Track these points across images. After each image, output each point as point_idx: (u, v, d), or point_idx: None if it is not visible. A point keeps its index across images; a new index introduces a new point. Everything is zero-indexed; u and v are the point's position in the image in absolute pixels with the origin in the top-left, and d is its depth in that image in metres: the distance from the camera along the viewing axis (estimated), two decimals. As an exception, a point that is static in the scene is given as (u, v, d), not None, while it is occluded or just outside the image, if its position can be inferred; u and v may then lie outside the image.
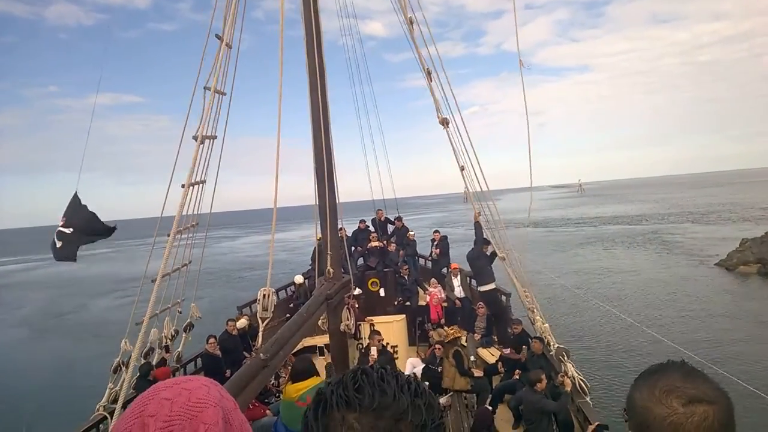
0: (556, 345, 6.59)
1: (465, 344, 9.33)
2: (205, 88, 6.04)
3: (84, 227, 6.09)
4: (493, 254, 8.84)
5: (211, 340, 8.47)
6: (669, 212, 60.12)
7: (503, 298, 9.54)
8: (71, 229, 6.23)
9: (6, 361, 20.23)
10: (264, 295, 4.18)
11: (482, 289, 8.47)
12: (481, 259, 9.20)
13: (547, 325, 6.91)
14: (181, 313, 7.94)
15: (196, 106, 6.33)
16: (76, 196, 5.84)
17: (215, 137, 6.96)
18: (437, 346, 8.08)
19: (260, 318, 4.18)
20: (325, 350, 9.15)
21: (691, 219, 49.35)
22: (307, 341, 10.48)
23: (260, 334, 4.15)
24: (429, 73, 6.83)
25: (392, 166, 14.34)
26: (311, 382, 4.14)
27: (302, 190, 7.92)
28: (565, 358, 6.31)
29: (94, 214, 6.06)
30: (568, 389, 5.89)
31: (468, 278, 12.62)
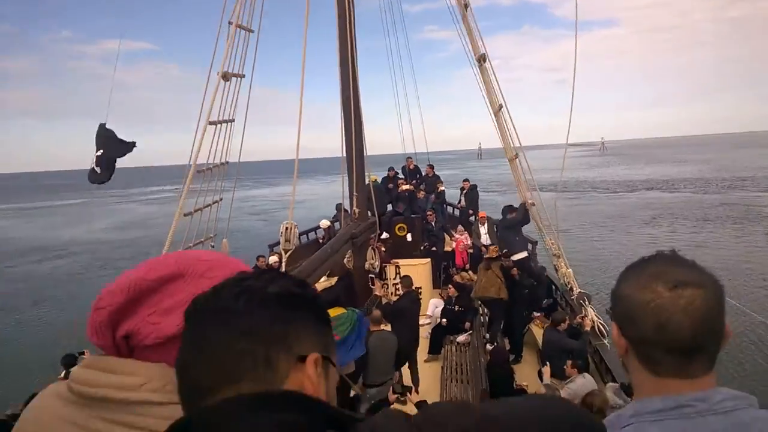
0: (578, 290, 6.61)
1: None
2: (229, 23, 5.99)
3: (108, 145, 6.28)
4: (525, 216, 8.23)
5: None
6: (724, 176, 51.82)
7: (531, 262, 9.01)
8: (101, 151, 6.50)
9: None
10: (286, 228, 4.32)
11: (515, 258, 7.88)
12: (509, 229, 8.46)
13: (570, 270, 6.90)
14: (213, 248, 8.28)
15: (226, 45, 6.34)
16: (101, 126, 6.05)
17: (243, 76, 6.98)
18: (449, 286, 8.31)
19: (283, 249, 4.34)
20: None
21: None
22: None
23: (283, 264, 4.32)
24: (465, 6, 6.57)
25: (405, 121, 14.01)
26: (333, 312, 4.34)
27: (337, 143, 7.85)
28: (586, 302, 6.35)
29: (113, 132, 6.18)
30: (587, 329, 5.97)
31: (495, 226, 12.61)
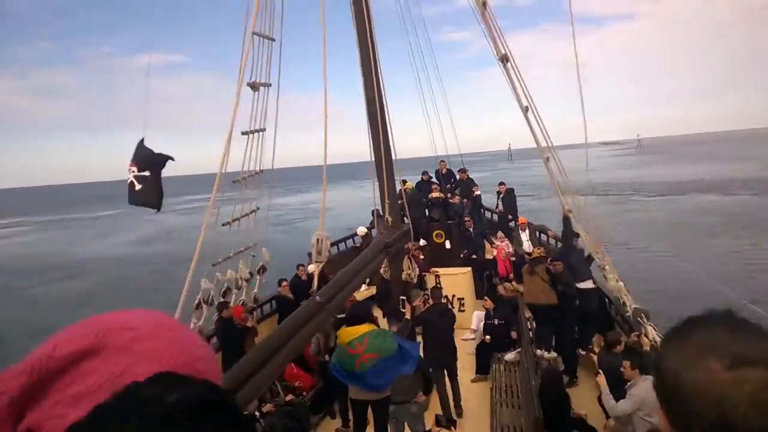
0: (633, 305, 6.06)
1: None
2: (254, 33, 5.97)
3: (153, 163, 6.20)
4: (589, 256, 7.63)
5: (284, 283, 8.87)
6: None
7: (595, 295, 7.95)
8: (148, 173, 6.44)
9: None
10: (318, 240, 4.12)
11: (582, 286, 7.33)
12: (574, 255, 7.87)
13: (621, 283, 6.35)
14: (254, 257, 8.27)
15: (250, 55, 6.30)
16: (140, 143, 6.00)
17: (269, 84, 6.95)
18: (485, 298, 8.03)
19: (315, 262, 4.14)
20: None
21: None
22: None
23: (315, 277, 4.12)
24: (484, 5, 6.25)
25: (433, 123, 13.59)
26: (363, 329, 4.11)
27: (363, 147, 7.68)
28: (645, 320, 5.79)
29: (151, 150, 6.11)
30: (646, 349, 5.44)
31: (537, 232, 12.07)
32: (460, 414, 6.66)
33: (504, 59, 6.49)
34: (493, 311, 7.79)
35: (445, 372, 6.77)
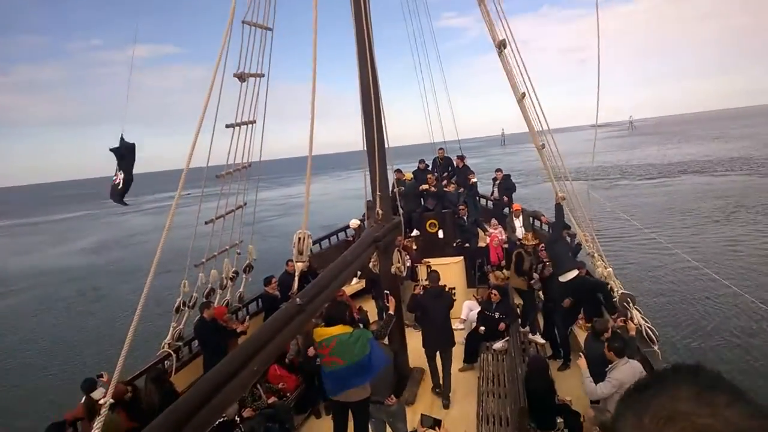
0: (621, 290, 6.07)
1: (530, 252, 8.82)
2: (243, 22, 5.77)
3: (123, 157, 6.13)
4: (578, 245, 7.82)
5: (273, 280, 8.68)
6: None
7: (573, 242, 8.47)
8: (121, 172, 6.39)
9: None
10: (299, 239, 4.05)
11: (563, 279, 7.21)
12: (560, 244, 7.78)
13: (610, 269, 6.35)
14: (240, 254, 8.17)
15: (240, 45, 6.11)
16: (122, 139, 5.93)
17: (262, 75, 6.77)
18: (493, 291, 7.76)
19: (296, 263, 4.08)
20: None
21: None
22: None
23: (296, 278, 4.06)
24: None
25: (431, 109, 13.47)
26: (335, 330, 4.09)
27: (357, 137, 7.49)
28: (631, 304, 5.81)
29: (134, 145, 6.01)
30: (632, 333, 5.45)
31: (531, 218, 12.03)
32: (447, 405, 6.68)
33: (501, 45, 6.34)
34: (497, 304, 7.72)
35: (438, 356, 6.82)
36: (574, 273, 6.99)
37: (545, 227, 11.70)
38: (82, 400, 5.38)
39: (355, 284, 10.86)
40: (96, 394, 5.27)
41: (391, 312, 5.58)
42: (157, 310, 13.49)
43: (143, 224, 45.99)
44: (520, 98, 6.57)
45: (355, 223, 11.84)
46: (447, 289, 9.68)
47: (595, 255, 6.57)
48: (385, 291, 6.10)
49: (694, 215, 24.76)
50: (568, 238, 8.58)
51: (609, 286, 6.39)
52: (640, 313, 5.78)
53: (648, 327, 5.58)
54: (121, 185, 6.00)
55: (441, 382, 6.87)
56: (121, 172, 6.06)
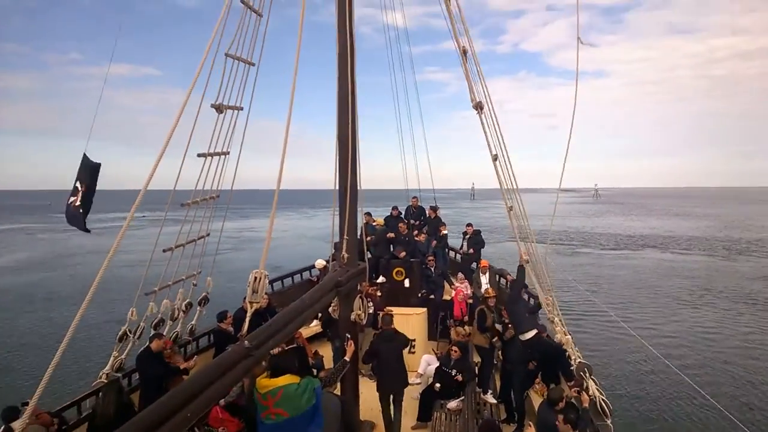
0: (579, 359, 6.03)
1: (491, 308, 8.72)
2: (226, 54, 5.77)
3: (87, 177, 5.89)
4: (537, 306, 7.89)
5: (228, 316, 8.33)
6: (739, 236, 48.94)
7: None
8: (84, 188, 6.13)
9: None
10: (255, 278, 3.89)
11: (523, 338, 7.19)
12: (520, 303, 7.85)
13: (569, 337, 6.34)
14: (196, 285, 7.86)
15: (219, 77, 6.10)
16: (85, 157, 5.74)
17: (241, 108, 6.75)
18: (454, 348, 7.65)
19: (249, 302, 3.90)
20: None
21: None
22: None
23: (247, 320, 3.87)
24: (465, 53, 6.31)
25: (407, 157, 13.83)
26: (281, 381, 3.88)
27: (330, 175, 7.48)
28: (587, 374, 5.76)
29: (90, 161, 5.79)
30: (585, 405, 5.38)
31: (497, 276, 12.08)
32: None
33: (479, 106, 6.51)
34: (455, 361, 7.58)
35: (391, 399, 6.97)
36: (533, 332, 7.02)
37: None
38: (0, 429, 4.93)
39: (314, 326, 10.56)
40: (16, 425, 4.84)
41: (347, 358, 5.40)
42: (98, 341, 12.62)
43: (82, 245, 42.65)
44: (494, 158, 6.70)
45: (320, 263, 11.65)
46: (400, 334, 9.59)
47: (555, 320, 6.56)
48: (347, 336, 5.94)
49: (657, 294, 24.81)
50: (526, 296, 8.65)
51: (567, 354, 6.36)
52: (596, 383, 5.72)
53: (602, 399, 5.52)
54: (80, 207, 5.73)
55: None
56: (81, 190, 5.82)
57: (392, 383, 7.03)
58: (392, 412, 6.99)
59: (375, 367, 7.26)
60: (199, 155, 6.40)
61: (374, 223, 12.87)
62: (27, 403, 5.39)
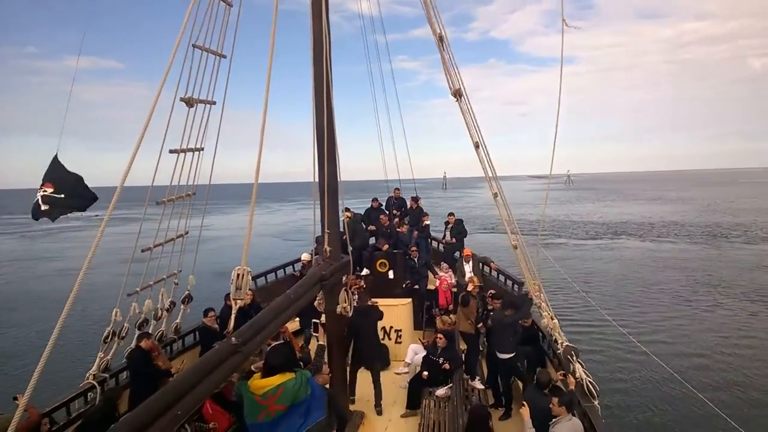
0: (565, 343, 6.11)
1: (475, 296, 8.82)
2: (194, 46, 5.57)
3: (73, 192, 5.92)
4: (526, 295, 7.66)
5: (211, 313, 8.19)
6: (719, 220, 48.84)
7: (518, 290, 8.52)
8: (63, 195, 6.04)
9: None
10: (238, 275, 3.81)
11: (502, 356, 7.12)
12: (510, 329, 7.30)
13: (556, 321, 6.41)
14: (177, 284, 7.72)
15: (188, 69, 5.90)
16: (56, 159, 5.57)
17: (213, 102, 6.56)
18: (439, 335, 7.66)
19: (233, 299, 3.82)
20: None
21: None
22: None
23: (232, 317, 3.80)
24: (441, 40, 6.25)
25: (385, 147, 13.66)
26: (278, 379, 3.80)
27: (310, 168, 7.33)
28: (574, 358, 5.84)
29: (80, 177, 5.85)
30: (572, 388, 5.45)
31: (480, 264, 12.15)
32: (380, 412, 7.32)
33: (456, 94, 6.47)
34: (442, 350, 7.57)
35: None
36: (511, 353, 7.10)
37: (494, 273, 11.85)
38: None
39: (298, 320, 10.48)
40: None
41: (322, 342, 5.50)
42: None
43: (12, 249, 40.49)
44: (476, 146, 6.68)
45: (306, 257, 11.56)
46: (392, 331, 9.57)
47: (542, 305, 6.62)
48: (314, 320, 5.96)
49: (633, 282, 24.18)
50: (511, 283, 8.67)
51: (554, 338, 6.43)
52: (582, 366, 5.80)
53: (589, 381, 5.59)
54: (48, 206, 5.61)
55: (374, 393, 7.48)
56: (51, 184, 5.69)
57: (370, 356, 7.39)
58: (362, 382, 7.44)
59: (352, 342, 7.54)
60: (171, 151, 6.22)
61: (353, 217, 12.76)
62: (17, 398, 5.28)
